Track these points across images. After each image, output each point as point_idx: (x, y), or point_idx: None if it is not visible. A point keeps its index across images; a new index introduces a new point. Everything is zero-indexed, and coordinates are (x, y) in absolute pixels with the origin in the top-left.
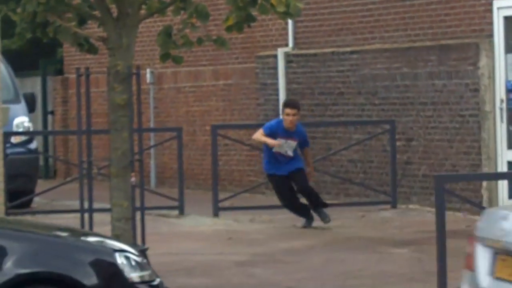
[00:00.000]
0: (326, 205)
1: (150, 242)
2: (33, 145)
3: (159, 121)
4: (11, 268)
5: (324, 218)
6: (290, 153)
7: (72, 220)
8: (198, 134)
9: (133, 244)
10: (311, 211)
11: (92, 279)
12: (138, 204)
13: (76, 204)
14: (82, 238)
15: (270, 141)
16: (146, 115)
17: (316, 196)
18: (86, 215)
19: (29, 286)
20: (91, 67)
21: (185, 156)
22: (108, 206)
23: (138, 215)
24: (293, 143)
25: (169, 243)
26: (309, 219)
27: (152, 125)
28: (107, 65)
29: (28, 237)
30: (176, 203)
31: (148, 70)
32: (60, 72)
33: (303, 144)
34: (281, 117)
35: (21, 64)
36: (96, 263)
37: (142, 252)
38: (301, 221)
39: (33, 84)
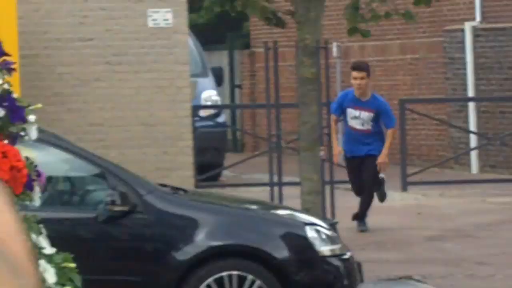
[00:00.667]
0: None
1: (340, 216)
2: (221, 119)
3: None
4: (203, 240)
5: (361, 226)
6: (365, 126)
7: (261, 194)
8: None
9: (323, 218)
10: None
11: (283, 252)
12: (327, 177)
13: (265, 177)
14: (272, 211)
15: (334, 145)
16: (333, 89)
17: (369, 198)
18: (276, 189)
19: (221, 259)
20: (278, 41)
21: None
22: (297, 179)
23: (327, 189)
24: (367, 115)
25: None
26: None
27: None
28: (294, 39)
29: (219, 210)
30: None
31: (334, 44)
32: (246, 46)
33: (384, 120)
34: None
35: (208, 39)
36: (286, 236)
37: (332, 226)
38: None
39: (220, 58)
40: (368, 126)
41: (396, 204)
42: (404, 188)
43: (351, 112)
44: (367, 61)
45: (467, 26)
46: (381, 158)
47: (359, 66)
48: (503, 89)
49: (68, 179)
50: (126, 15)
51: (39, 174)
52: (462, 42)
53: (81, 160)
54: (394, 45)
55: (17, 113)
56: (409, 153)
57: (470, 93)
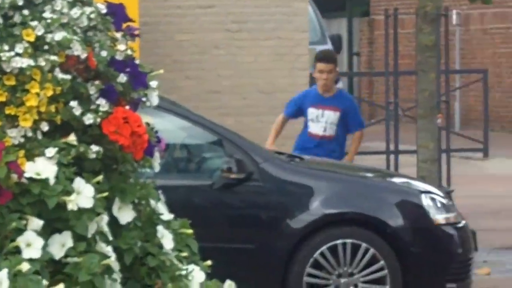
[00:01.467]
0: None
1: (455, 184)
2: (339, 85)
3: (465, 63)
4: (318, 208)
5: None
6: (329, 131)
7: (378, 162)
8: (504, 76)
9: (438, 186)
10: None
11: (398, 220)
12: (443, 146)
13: (381, 145)
14: (388, 179)
15: (269, 140)
16: (452, 57)
17: None
18: (392, 157)
19: (335, 226)
20: (398, 8)
21: (491, 98)
22: (413, 148)
23: (443, 157)
24: (330, 115)
25: (474, 185)
26: None
27: (458, 66)
28: (414, 6)
29: (335, 178)
30: (480, 146)
31: (454, 12)
32: (366, 13)
33: (351, 121)
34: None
35: (328, 6)
36: (402, 204)
37: (448, 194)
38: None
39: (339, 26)
40: (331, 132)
41: (510, 172)
42: None
43: (312, 112)
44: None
45: None
46: (350, 158)
47: (327, 57)
48: None
49: (185, 146)
50: None
51: (159, 141)
52: None
53: (199, 127)
54: None
55: (139, 79)
56: None
57: None
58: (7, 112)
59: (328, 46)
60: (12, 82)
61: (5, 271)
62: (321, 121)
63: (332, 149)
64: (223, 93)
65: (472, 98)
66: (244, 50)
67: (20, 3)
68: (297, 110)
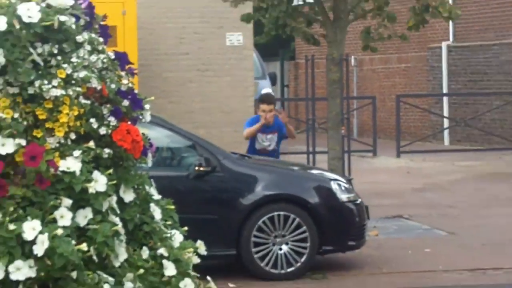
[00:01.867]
0: None
1: (354, 174)
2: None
3: (360, 92)
4: (260, 190)
5: None
6: (272, 147)
7: (301, 159)
8: (387, 101)
9: (342, 176)
10: None
11: (315, 199)
12: (346, 148)
13: (303, 148)
14: (308, 171)
15: (256, 126)
16: (351, 88)
17: None
18: (311, 156)
19: (272, 203)
20: (314, 55)
21: (378, 116)
22: (325, 149)
23: (346, 156)
24: (272, 137)
25: (366, 175)
26: None
27: (355, 94)
28: (325, 53)
29: (272, 170)
30: (371, 148)
31: (352, 57)
32: (292, 58)
33: (282, 136)
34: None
35: (266, 52)
36: (318, 188)
37: (349, 181)
38: (456, 161)
39: (275, 66)
40: (274, 146)
41: (392, 166)
42: (398, 155)
43: (261, 137)
44: (376, 69)
45: (443, 45)
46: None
47: (269, 100)
48: (467, 87)
49: (169, 148)
50: (211, 37)
51: (151, 145)
52: (440, 55)
53: (179, 136)
54: (394, 57)
55: (137, 103)
56: (402, 131)
57: (444, 90)
58: (46, 126)
59: (267, 80)
60: (50, 105)
61: (46, 234)
62: (266, 142)
63: (274, 154)
64: (196, 113)
65: (365, 116)
66: (210, 83)
67: (55, 51)
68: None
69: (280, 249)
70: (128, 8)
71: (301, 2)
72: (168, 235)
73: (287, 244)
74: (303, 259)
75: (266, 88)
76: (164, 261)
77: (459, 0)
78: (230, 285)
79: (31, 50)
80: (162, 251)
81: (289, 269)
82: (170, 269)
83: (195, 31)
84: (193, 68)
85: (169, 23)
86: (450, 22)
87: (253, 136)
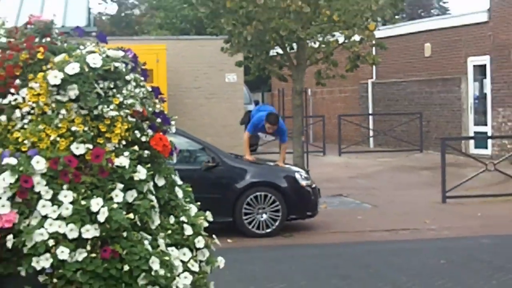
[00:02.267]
0: None
1: (310, 168)
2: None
3: (314, 112)
4: (249, 178)
5: None
6: (268, 138)
7: (275, 157)
8: (332, 118)
9: (303, 168)
10: None
11: (285, 184)
12: (305, 150)
13: (277, 150)
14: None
15: (247, 156)
16: (308, 110)
17: None
18: None
19: (257, 186)
20: (285, 88)
21: (326, 129)
22: (291, 151)
23: (305, 155)
24: (271, 138)
25: (319, 168)
26: None
27: (311, 114)
28: (291, 87)
29: (256, 165)
30: (321, 150)
31: (309, 89)
32: (269, 90)
33: (281, 139)
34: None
35: (252, 87)
36: (286, 177)
37: (307, 172)
38: (377, 158)
39: (258, 96)
40: (268, 138)
41: (336, 162)
42: (339, 154)
43: (261, 135)
44: (325, 97)
45: (369, 82)
46: (280, 161)
47: (273, 121)
48: (384, 110)
49: (188, 150)
50: (215, 76)
51: (175, 148)
52: (367, 88)
53: (194, 142)
54: (336, 90)
55: (166, 120)
56: (342, 138)
57: (370, 111)
58: (106, 136)
59: (252, 105)
60: (108, 122)
61: (105, 207)
62: (266, 138)
63: None
64: (205, 126)
65: (317, 128)
66: (214, 107)
67: (112, 86)
68: (254, 130)
69: (262, 217)
70: (160, 57)
71: (275, 53)
72: (187, 208)
73: (266, 213)
74: (276, 223)
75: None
76: (184, 225)
77: (379, 51)
78: (229, 240)
79: (96, 85)
80: (183, 218)
81: (268, 230)
82: (188, 230)
83: (204, 72)
84: (203, 97)
85: (187, 67)
86: (374, 66)
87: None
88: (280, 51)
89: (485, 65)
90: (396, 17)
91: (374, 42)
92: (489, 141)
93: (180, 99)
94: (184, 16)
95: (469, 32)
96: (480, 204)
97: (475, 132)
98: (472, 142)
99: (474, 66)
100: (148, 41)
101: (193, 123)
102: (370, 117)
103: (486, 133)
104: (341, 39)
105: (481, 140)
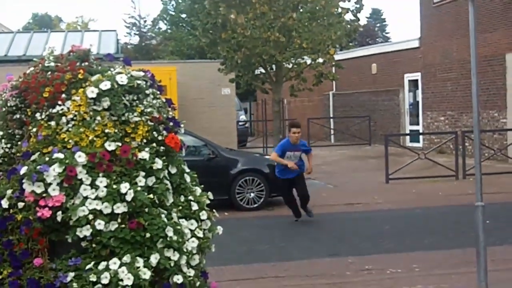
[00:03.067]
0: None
1: None
2: (247, 124)
3: (289, 116)
4: (240, 166)
5: (309, 213)
6: (296, 161)
7: (259, 150)
8: (303, 121)
9: None
10: (300, 209)
11: (267, 170)
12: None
13: (261, 145)
14: (264, 156)
15: (289, 164)
16: (284, 115)
17: (307, 200)
18: (265, 149)
19: (247, 172)
20: (267, 98)
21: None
22: (272, 145)
23: None
24: (298, 154)
25: None
26: (297, 215)
27: (287, 117)
28: (272, 98)
29: (246, 155)
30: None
31: (285, 100)
32: (255, 100)
33: (306, 151)
34: (287, 136)
35: (242, 98)
36: (269, 165)
37: None
38: (336, 150)
39: (247, 104)
40: (297, 161)
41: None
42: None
43: (289, 154)
44: (298, 105)
45: (331, 93)
46: (309, 166)
47: (298, 125)
48: (342, 114)
49: (194, 146)
50: (214, 90)
51: (184, 144)
52: (329, 98)
53: (198, 139)
54: (306, 99)
55: (177, 124)
56: (311, 135)
57: (331, 115)
58: (131, 136)
59: (242, 111)
60: (133, 125)
61: (131, 190)
62: (293, 158)
63: (300, 168)
64: (207, 128)
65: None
66: (214, 113)
67: (135, 98)
68: (283, 152)
69: (250, 195)
70: (172, 76)
71: (259, 72)
72: (193, 189)
73: (253, 193)
74: (261, 200)
75: (242, 116)
76: (192, 202)
77: (338, 70)
78: (225, 213)
79: (123, 98)
80: (190, 197)
81: (255, 205)
82: (194, 206)
83: (206, 87)
84: (205, 106)
85: (192, 84)
86: (334, 82)
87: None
88: (263, 71)
89: (417, 80)
90: (350, 44)
91: (333, 63)
92: (421, 137)
93: (187, 107)
94: (189, 45)
95: (405, 55)
96: (414, 184)
97: (410, 130)
98: (408, 137)
99: (409, 80)
100: (162, 64)
101: (197, 126)
102: (331, 119)
103: (418, 130)
104: (309, 61)
105: (414, 135)
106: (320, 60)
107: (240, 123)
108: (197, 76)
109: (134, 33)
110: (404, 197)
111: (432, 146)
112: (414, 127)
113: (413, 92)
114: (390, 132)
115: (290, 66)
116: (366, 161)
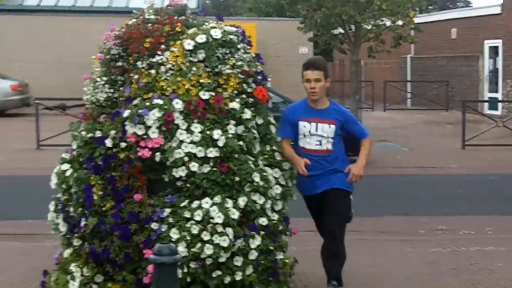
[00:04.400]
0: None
1: (362, 119)
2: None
3: (366, 78)
4: None
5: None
6: (327, 144)
7: None
8: (379, 83)
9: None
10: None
11: None
12: (358, 106)
13: None
14: None
15: (299, 164)
16: (361, 76)
17: (337, 251)
18: None
19: None
20: (345, 59)
21: (374, 91)
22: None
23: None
24: (327, 128)
25: (368, 120)
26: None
27: (363, 79)
28: (349, 58)
29: None
30: (371, 106)
31: (362, 61)
32: (332, 60)
33: (353, 130)
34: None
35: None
36: None
37: None
38: (414, 114)
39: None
40: (328, 146)
41: (381, 116)
42: (384, 110)
43: (303, 126)
44: (373, 66)
45: (408, 56)
46: (357, 170)
47: (314, 64)
48: (418, 78)
49: (273, 102)
50: (293, 49)
51: (270, 97)
52: (406, 62)
53: (276, 95)
54: (383, 62)
55: (264, 77)
56: (387, 98)
57: (409, 78)
58: (223, 86)
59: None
60: (225, 77)
61: (223, 136)
62: (316, 135)
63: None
64: (285, 85)
65: (368, 90)
66: (290, 72)
67: (227, 52)
68: (290, 127)
69: None
70: (251, 33)
71: (337, 32)
72: (278, 139)
73: None
74: None
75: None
76: (276, 153)
77: (417, 33)
78: None
79: (216, 51)
80: (275, 147)
81: None
82: (278, 156)
83: (284, 45)
84: (283, 64)
85: (271, 42)
86: (412, 45)
87: None
88: (342, 31)
89: (497, 47)
90: (430, 7)
91: (413, 26)
92: (499, 104)
93: (265, 65)
94: (268, 2)
95: (486, 21)
96: (490, 151)
97: (489, 97)
98: (486, 104)
99: (489, 47)
100: (241, 20)
101: (274, 84)
102: (408, 83)
103: (497, 98)
104: (388, 23)
105: (493, 103)
106: (400, 22)
107: None
108: (275, 34)
109: None
110: (480, 163)
111: (511, 115)
112: (493, 95)
113: (493, 59)
114: (468, 98)
115: (369, 27)
116: (443, 126)
